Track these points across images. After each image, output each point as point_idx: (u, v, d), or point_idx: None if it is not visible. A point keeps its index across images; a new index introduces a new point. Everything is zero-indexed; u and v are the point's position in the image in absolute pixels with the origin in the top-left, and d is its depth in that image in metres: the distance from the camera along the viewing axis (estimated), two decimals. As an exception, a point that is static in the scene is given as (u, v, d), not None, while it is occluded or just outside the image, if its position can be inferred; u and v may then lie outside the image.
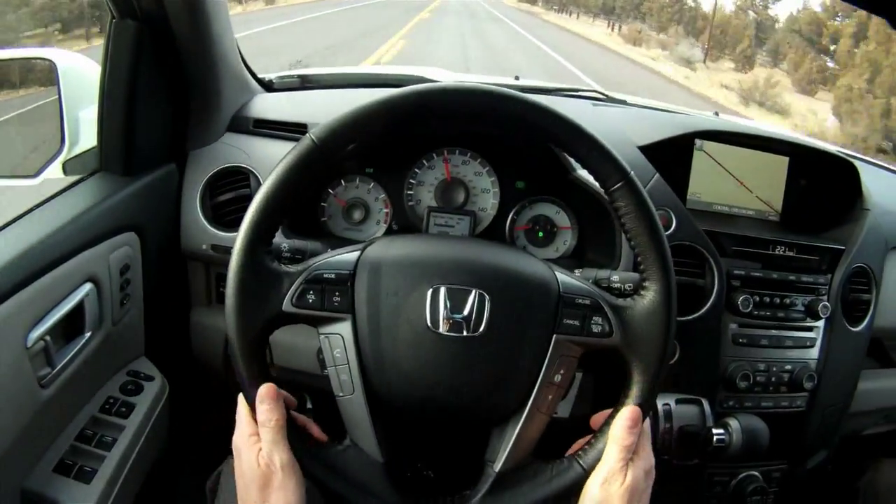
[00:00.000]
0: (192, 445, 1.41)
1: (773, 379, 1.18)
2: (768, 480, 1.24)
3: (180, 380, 1.22)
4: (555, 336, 0.73)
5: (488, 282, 0.72)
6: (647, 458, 0.74)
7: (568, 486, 0.72)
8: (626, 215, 0.74)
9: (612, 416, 0.74)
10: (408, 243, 0.79)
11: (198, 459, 1.37)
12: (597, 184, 0.77)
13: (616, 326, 0.74)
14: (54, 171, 1.09)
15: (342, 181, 1.18)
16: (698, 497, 1.22)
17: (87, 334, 0.97)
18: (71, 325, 0.94)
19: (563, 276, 0.77)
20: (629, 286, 0.81)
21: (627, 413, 0.73)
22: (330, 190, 1.18)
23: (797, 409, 1.22)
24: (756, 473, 1.23)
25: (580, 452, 0.74)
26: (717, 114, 1.48)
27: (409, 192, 1.18)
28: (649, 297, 0.74)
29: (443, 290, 0.71)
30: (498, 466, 0.72)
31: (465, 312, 0.70)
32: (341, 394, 0.71)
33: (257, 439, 0.70)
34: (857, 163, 1.29)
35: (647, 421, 0.76)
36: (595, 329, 0.73)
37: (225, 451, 1.05)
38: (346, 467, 0.71)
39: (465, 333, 0.70)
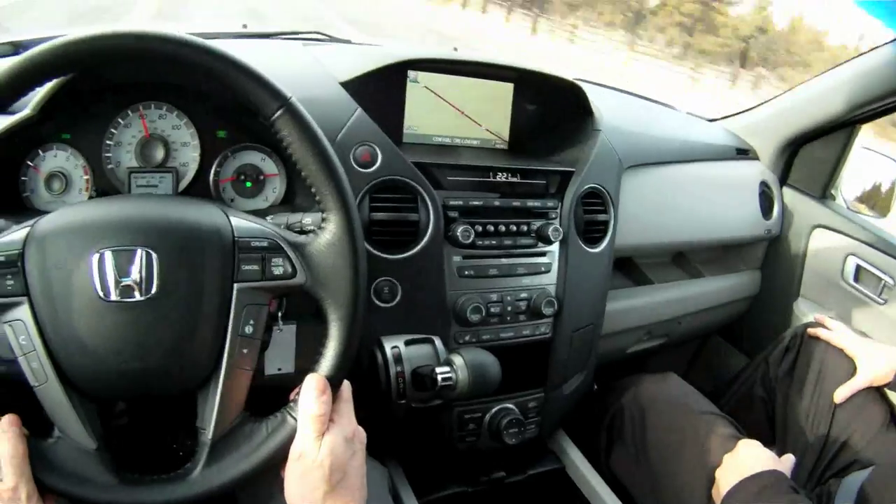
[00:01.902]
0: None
1: (510, 308, 1.16)
2: (525, 411, 1.23)
3: None
4: (235, 285, 0.70)
5: (153, 238, 0.68)
6: (346, 426, 0.72)
7: (285, 442, 0.70)
8: (291, 145, 0.72)
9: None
10: (76, 210, 0.73)
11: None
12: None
13: (299, 265, 0.72)
14: None
15: (39, 151, 1.06)
16: (454, 437, 1.20)
17: None
18: None
19: (237, 220, 0.73)
20: (320, 225, 0.76)
21: (313, 383, 0.71)
22: (29, 162, 1.06)
23: (542, 337, 1.21)
24: (510, 405, 1.22)
25: (291, 404, 0.72)
26: (455, 49, 1.45)
27: (108, 155, 1.07)
28: (329, 228, 0.72)
29: (107, 254, 0.66)
30: (210, 433, 0.70)
31: (134, 275, 0.66)
32: (36, 383, 0.67)
33: None
34: (584, 85, 1.29)
35: (347, 385, 0.75)
36: (276, 271, 0.71)
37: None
38: (57, 461, 0.68)
39: (137, 297, 0.66)
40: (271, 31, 1.39)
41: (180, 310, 0.68)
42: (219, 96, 1.07)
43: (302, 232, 0.79)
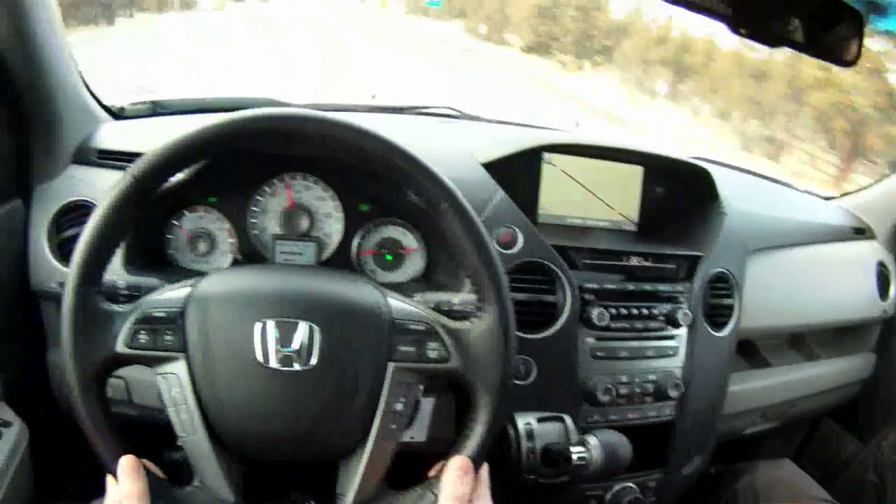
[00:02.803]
0: (59, 492, 1.34)
1: (638, 390, 1.17)
2: (644, 490, 1.23)
3: (42, 423, 1.16)
4: (390, 364, 0.72)
5: (316, 312, 0.71)
6: None
7: None
8: (454, 236, 0.75)
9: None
10: (236, 276, 0.78)
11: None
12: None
13: (453, 350, 0.74)
14: None
15: (185, 211, 1.13)
16: None
17: None
18: None
19: (394, 302, 0.76)
20: (470, 308, 0.80)
21: (457, 464, 0.73)
22: (174, 221, 1.13)
23: (666, 419, 1.21)
24: (631, 485, 1.21)
25: (433, 480, 0.74)
26: (577, 124, 1.49)
27: (253, 221, 1.13)
28: (485, 318, 0.74)
29: (270, 324, 0.70)
30: (349, 500, 0.72)
31: (295, 345, 0.69)
32: (184, 434, 0.70)
33: None
34: (710, 167, 1.30)
35: (485, 468, 0.76)
36: (432, 354, 0.73)
37: (91, 499, 0.99)
38: None
39: (296, 367, 0.69)
40: (403, 106, 1.46)
41: (335, 383, 0.71)
42: (365, 172, 1.13)
43: (450, 312, 0.82)
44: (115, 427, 0.71)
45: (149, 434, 0.87)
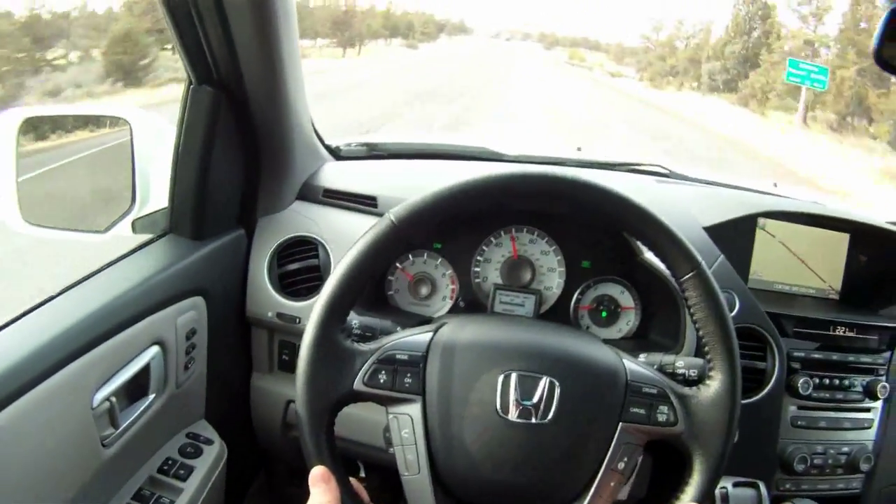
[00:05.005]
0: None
1: (830, 461, 1.18)
2: None
3: (238, 444, 1.22)
4: (620, 424, 0.73)
5: (558, 369, 0.73)
6: None
7: None
8: (695, 305, 0.76)
9: None
10: (479, 327, 0.79)
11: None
12: (664, 268, 0.79)
13: (681, 415, 0.74)
14: (123, 228, 1.09)
15: (409, 255, 1.19)
16: None
17: (151, 396, 0.98)
18: (136, 387, 0.95)
19: (630, 364, 0.77)
20: (693, 372, 0.81)
21: None
22: (397, 264, 1.19)
23: (853, 492, 1.21)
24: None
25: None
26: (775, 185, 1.48)
27: (476, 269, 1.18)
28: (714, 386, 0.75)
29: (514, 376, 0.72)
30: None
31: (535, 399, 0.71)
32: (406, 473, 0.72)
33: None
34: None
35: None
36: (661, 418, 0.74)
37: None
38: None
39: (533, 420, 0.71)
40: (613, 162, 1.45)
41: (567, 438, 0.72)
42: (590, 230, 1.15)
43: (672, 374, 0.84)
44: (338, 458, 0.73)
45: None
